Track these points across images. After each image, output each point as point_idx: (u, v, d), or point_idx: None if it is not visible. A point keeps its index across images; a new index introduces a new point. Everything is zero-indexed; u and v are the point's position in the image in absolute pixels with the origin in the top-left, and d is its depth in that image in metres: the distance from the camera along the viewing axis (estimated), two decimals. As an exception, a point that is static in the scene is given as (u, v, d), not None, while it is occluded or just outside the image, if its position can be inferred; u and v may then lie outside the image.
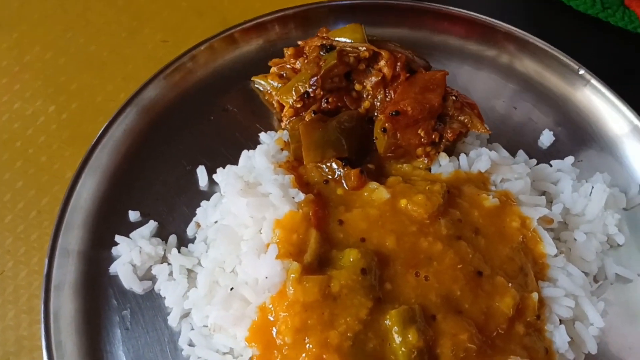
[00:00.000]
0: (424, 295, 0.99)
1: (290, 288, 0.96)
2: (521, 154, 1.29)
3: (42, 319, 1.07)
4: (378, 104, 1.26)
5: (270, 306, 0.97)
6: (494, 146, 1.28)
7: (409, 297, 0.99)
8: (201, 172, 1.25)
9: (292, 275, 0.96)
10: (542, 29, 1.45)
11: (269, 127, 1.32)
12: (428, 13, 1.45)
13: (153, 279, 1.15)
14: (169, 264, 1.16)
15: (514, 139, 1.33)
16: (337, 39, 1.28)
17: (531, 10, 1.58)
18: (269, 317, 0.97)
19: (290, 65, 1.34)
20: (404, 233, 1.05)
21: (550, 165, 1.28)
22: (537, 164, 1.28)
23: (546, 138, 1.32)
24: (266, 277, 0.97)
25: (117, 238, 1.16)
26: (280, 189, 1.08)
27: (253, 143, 1.29)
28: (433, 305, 0.98)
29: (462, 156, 1.20)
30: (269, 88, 1.34)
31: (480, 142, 1.28)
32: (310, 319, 0.94)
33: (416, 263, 1.02)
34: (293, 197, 1.08)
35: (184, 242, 1.20)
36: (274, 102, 1.32)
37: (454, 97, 1.26)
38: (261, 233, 1.07)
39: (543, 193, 1.25)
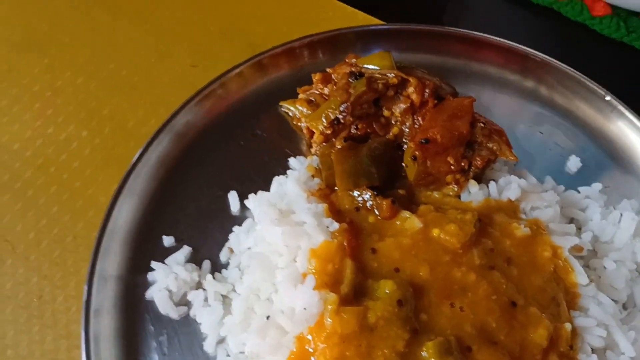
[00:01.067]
0: (459, 326, 1.01)
1: (328, 319, 0.98)
2: (549, 180, 1.31)
3: (83, 345, 1.09)
4: (406, 130, 1.28)
5: (309, 337, 0.99)
6: (521, 172, 1.29)
7: (445, 328, 1.00)
8: (233, 197, 1.27)
9: (329, 306, 0.98)
10: (567, 53, 1.46)
11: (297, 152, 1.35)
12: (452, 38, 1.47)
13: (188, 304, 1.17)
14: (204, 289, 1.18)
15: (540, 165, 1.34)
16: (365, 65, 1.30)
17: (556, 35, 1.60)
18: (307, 347, 0.99)
19: (318, 91, 1.36)
20: (437, 263, 1.06)
21: (578, 192, 1.29)
22: (565, 190, 1.29)
23: (573, 163, 1.34)
24: (305, 309, 0.99)
25: (153, 264, 1.19)
26: (314, 218, 1.10)
27: (282, 168, 1.31)
28: (468, 337, 1.00)
29: (492, 184, 1.22)
30: (297, 113, 1.36)
31: (508, 169, 1.30)
32: (348, 350, 0.96)
33: (450, 293, 1.04)
34: (327, 227, 1.10)
35: (217, 267, 1.22)
36: (302, 127, 1.35)
37: (481, 124, 1.27)
38: (296, 261, 1.10)
39: (571, 220, 1.26)
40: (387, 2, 1.63)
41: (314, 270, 1.04)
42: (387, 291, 1.01)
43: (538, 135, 1.39)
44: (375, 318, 0.98)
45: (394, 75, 1.26)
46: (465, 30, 1.46)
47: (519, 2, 1.65)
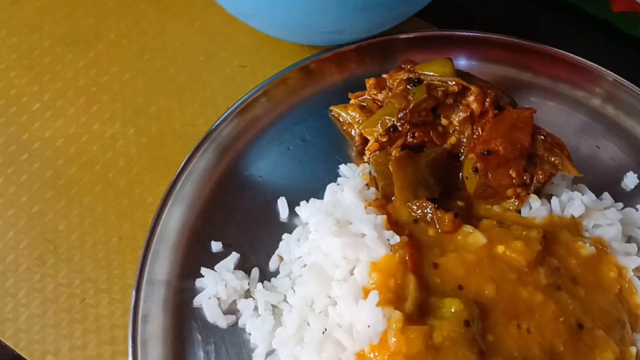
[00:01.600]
0: (526, 348, 0.96)
1: (393, 338, 0.93)
2: (607, 196, 1.26)
3: (130, 351, 1.06)
4: (464, 140, 1.24)
5: (371, 355, 0.95)
6: (579, 187, 1.25)
7: (511, 350, 0.96)
8: (282, 203, 1.24)
9: (394, 325, 0.94)
10: (624, 68, 1.42)
11: (347, 159, 1.31)
12: (510, 47, 1.43)
13: (237, 313, 1.14)
14: (254, 298, 1.14)
15: (598, 180, 1.29)
16: (424, 72, 1.26)
17: (612, 49, 1.55)
18: (368, 365, 0.95)
19: (371, 96, 1.32)
20: (503, 281, 1.02)
21: (637, 209, 1.24)
22: (623, 207, 1.25)
23: (630, 180, 1.29)
24: (369, 326, 0.95)
25: (203, 270, 1.15)
26: (374, 230, 1.06)
27: (333, 175, 1.27)
28: (536, 359, 0.96)
29: (554, 199, 1.17)
30: (348, 119, 1.32)
31: (567, 183, 1.26)
32: (413, 370, 0.92)
33: (517, 314, 0.99)
34: (388, 239, 1.06)
35: (266, 275, 1.18)
36: (354, 133, 1.31)
37: (542, 137, 1.23)
38: (353, 274, 1.06)
39: (629, 238, 1.21)
40: (438, 5, 1.58)
41: (374, 286, 1.00)
42: (453, 310, 0.96)
43: (595, 150, 1.35)
44: (441, 338, 0.94)
45: (454, 82, 1.22)
46: (525, 41, 1.41)
47: (569, 9, 1.61)
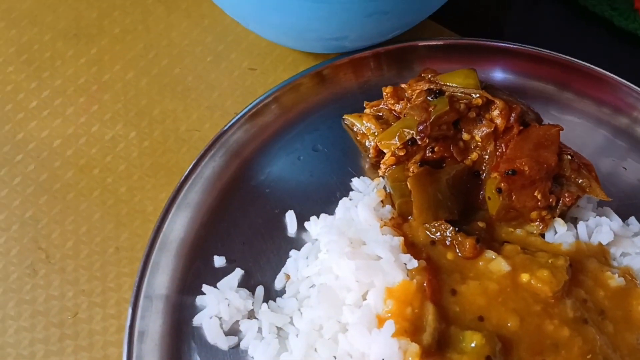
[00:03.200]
0: (552, 387, 0.90)
1: (409, 373, 0.87)
2: (633, 221, 1.18)
3: (124, 376, 0.99)
4: (487, 157, 1.17)
5: (384, 390, 0.88)
6: (604, 210, 1.18)
7: (536, 388, 0.90)
8: (290, 217, 1.16)
9: (410, 358, 0.87)
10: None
11: (360, 171, 1.23)
12: (531, 58, 1.35)
13: (239, 335, 1.07)
14: (257, 319, 1.07)
15: (624, 203, 1.22)
16: (447, 83, 1.19)
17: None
18: (381, 400, 0.88)
19: (388, 106, 1.25)
20: (527, 313, 0.95)
21: (665, 236, 1.18)
22: (652, 234, 1.18)
23: (658, 204, 1.23)
24: (383, 359, 0.88)
25: (205, 288, 1.08)
26: (391, 254, 0.99)
27: (345, 188, 1.21)
28: (561, 400, 0.89)
29: (582, 225, 1.10)
30: (363, 129, 1.25)
31: (592, 206, 1.19)
32: (430, 409, 0.86)
33: (542, 349, 0.92)
34: (405, 264, 0.99)
35: (271, 294, 1.11)
36: (368, 145, 1.24)
37: (569, 156, 1.16)
38: (366, 299, 0.99)
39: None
40: (459, 11, 1.51)
41: (390, 314, 0.93)
42: (474, 345, 0.89)
43: (621, 171, 1.28)
44: (461, 374, 0.87)
45: (478, 95, 1.15)
46: (554, 53, 1.34)
47: (595, 20, 1.53)
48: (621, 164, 1.28)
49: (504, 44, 1.36)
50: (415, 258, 1.01)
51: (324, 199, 1.20)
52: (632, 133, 1.31)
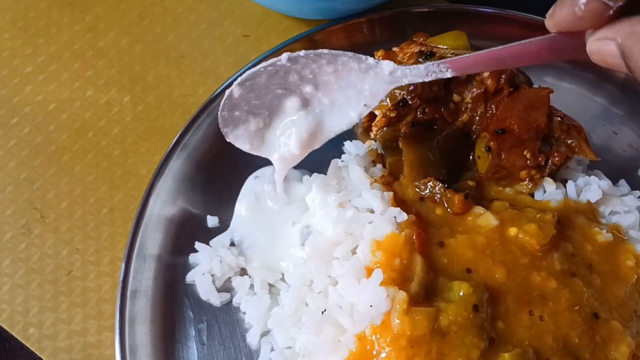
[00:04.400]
0: (538, 337, 0.90)
1: (396, 320, 0.87)
2: (623, 183, 1.20)
3: (117, 328, 1.00)
4: (477, 118, 1.18)
5: (372, 337, 0.89)
6: (595, 173, 1.18)
7: (523, 338, 0.90)
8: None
9: (398, 305, 0.88)
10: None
11: (352, 135, 1.24)
12: (522, 24, 1.36)
13: (231, 291, 1.08)
14: (249, 276, 1.09)
15: (614, 167, 1.23)
16: (437, 45, 1.20)
17: None
18: (369, 348, 0.89)
19: (380, 70, 1.26)
20: (514, 265, 0.96)
21: (654, 198, 1.19)
22: (640, 196, 1.19)
23: (648, 168, 1.24)
24: (370, 306, 0.89)
25: (197, 245, 1.09)
26: (381, 205, 1.00)
27: (337, 151, 1.21)
28: (548, 349, 0.90)
29: (570, 183, 1.11)
30: (355, 93, 1.26)
31: (582, 168, 1.20)
32: (417, 355, 0.86)
33: (529, 300, 0.93)
34: (395, 217, 1.00)
35: (262, 252, 1.12)
36: (360, 108, 1.25)
37: (559, 118, 1.17)
38: (355, 253, 1.00)
39: (643, 226, 1.16)
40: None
41: (378, 265, 0.94)
42: (462, 294, 0.90)
43: (612, 136, 1.29)
44: (447, 322, 0.88)
45: (468, 57, 1.16)
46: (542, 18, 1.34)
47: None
48: (612, 129, 1.29)
49: (496, 10, 1.37)
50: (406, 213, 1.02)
51: (315, 161, 1.19)
52: (625, 100, 1.32)
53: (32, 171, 1.20)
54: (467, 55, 1.01)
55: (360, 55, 1.02)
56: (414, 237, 0.97)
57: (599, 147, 1.25)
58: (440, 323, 0.88)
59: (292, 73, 1.03)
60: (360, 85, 1.02)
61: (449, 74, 0.97)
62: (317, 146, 1.06)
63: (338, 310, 0.95)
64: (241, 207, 1.14)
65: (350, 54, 1.02)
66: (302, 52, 1.01)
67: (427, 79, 0.98)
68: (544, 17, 1.34)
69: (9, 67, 1.31)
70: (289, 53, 1.02)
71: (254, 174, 1.18)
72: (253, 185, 1.18)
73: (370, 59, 1.01)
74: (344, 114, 1.03)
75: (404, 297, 0.88)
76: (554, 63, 1.35)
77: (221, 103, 1.04)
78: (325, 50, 1.02)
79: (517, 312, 0.92)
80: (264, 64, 1.02)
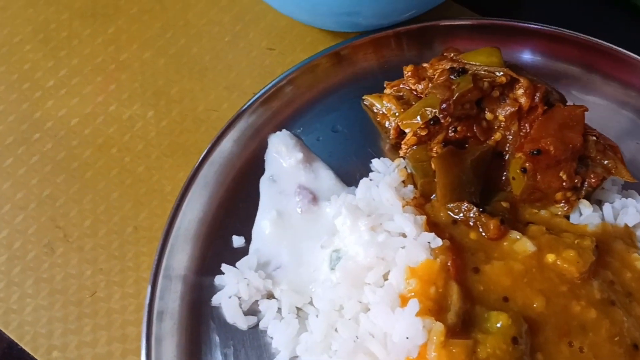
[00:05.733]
0: (579, 369, 0.88)
1: (433, 352, 0.85)
2: (657, 203, 1.17)
3: (144, 352, 0.98)
4: (510, 137, 1.15)
5: (408, 369, 0.86)
6: (629, 193, 1.15)
7: (563, 370, 0.88)
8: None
9: (435, 337, 0.86)
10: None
11: (379, 152, 1.22)
12: (554, 39, 1.33)
13: (258, 315, 1.06)
14: (277, 299, 1.06)
15: (647, 186, 1.21)
16: (470, 62, 1.17)
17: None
18: (404, 380, 0.87)
19: (409, 86, 1.23)
20: (553, 294, 0.93)
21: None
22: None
23: (683, 188, 1.20)
24: (407, 338, 0.86)
25: (224, 267, 1.07)
26: (415, 229, 0.97)
27: (365, 169, 1.18)
28: (589, 382, 0.87)
29: (607, 206, 1.08)
30: (383, 110, 1.23)
31: (617, 189, 1.16)
32: (454, 389, 0.84)
33: (569, 331, 0.90)
34: (428, 242, 0.97)
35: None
36: (388, 125, 1.22)
37: (594, 137, 1.14)
38: (387, 279, 0.97)
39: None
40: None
41: (413, 293, 0.91)
42: (500, 325, 0.87)
43: (641, 149, 1.25)
44: (486, 354, 0.85)
45: (502, 73, 1.12)
46: (577, 34, 1.31)
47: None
48: (642, 143, 1.26)
49: (527, 24, 1.33)
50: (439, 237, 0.99)
51: (343, 179, 1.18)
52: (658, 116, 1.29)
53: (55, 188, 1.17)
54: None
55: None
56: (448, 264, 0.95)
57: (629, 163, 1.21)
58: (478, 356, 0.85)
59: None
60: None
61: None
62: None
63: (370, 339, 0.93)
64: (264, 223, 1.12)
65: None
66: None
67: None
68: (572, 30, 1.34)
69: (30, 80, 1.28)
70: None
71: (268, 174, 1.17)
72: (273, 196, 1.16)
73: None
74: None
75: (442, 329, 0.86)
76: (579, 75, 1.33)
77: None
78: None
79: (556, 343, 0.89)
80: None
